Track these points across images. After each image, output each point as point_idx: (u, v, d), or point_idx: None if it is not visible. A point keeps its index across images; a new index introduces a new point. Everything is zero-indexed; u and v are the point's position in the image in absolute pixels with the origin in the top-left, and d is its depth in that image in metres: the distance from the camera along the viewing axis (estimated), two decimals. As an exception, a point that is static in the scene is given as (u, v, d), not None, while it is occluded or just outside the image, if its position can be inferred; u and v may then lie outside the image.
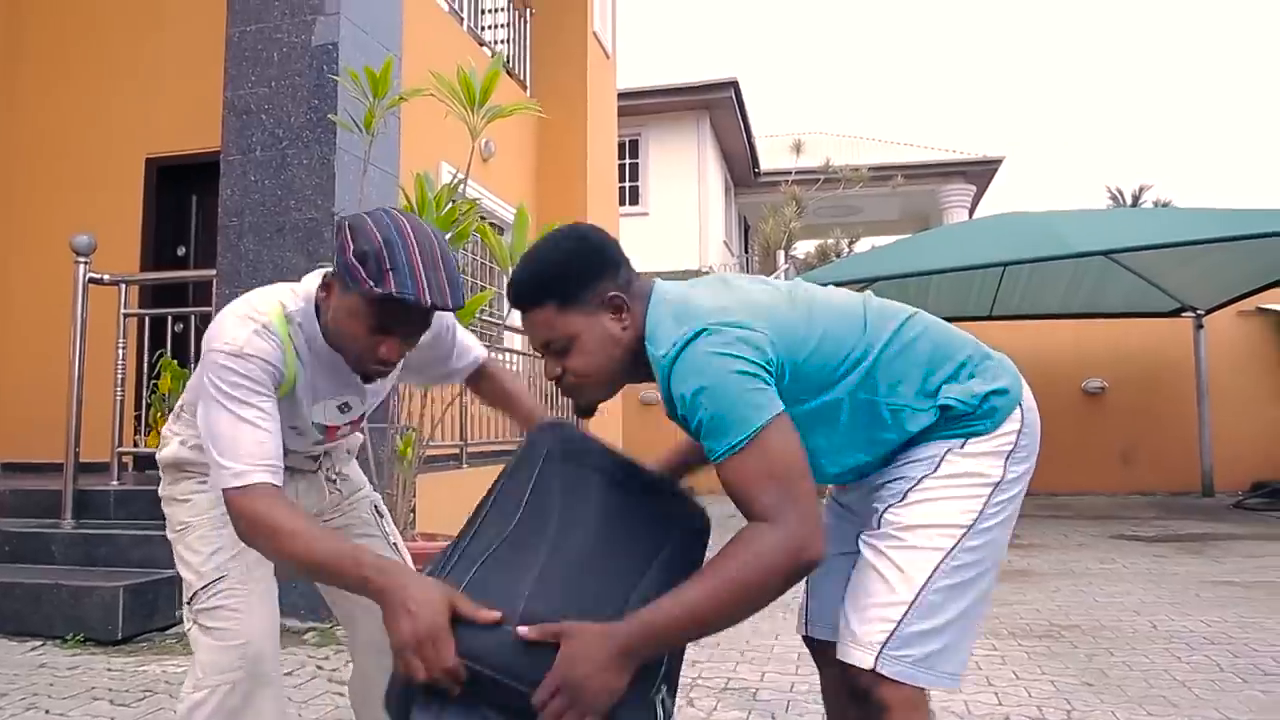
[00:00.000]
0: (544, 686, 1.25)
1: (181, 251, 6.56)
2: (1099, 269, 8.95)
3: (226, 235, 4.28)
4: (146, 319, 5.35)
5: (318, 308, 1.60)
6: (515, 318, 5.95)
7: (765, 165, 17.76)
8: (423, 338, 1.63)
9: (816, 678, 3.27)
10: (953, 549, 1.40)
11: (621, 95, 10.78)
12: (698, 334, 1.37)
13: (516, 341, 7.29)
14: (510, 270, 4.01)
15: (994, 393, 1.46)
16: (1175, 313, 9.86)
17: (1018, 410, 1.48)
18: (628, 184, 14.59)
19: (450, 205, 3.82)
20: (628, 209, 13.56)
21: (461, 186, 4.02)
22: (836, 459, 1.52)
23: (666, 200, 14.94)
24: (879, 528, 1.46)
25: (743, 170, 17.65)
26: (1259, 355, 10.17)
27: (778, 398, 1.36)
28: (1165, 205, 21.00)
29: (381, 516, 2.02)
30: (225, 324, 1.56)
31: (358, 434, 1.99)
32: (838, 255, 16.21)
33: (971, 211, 18.50)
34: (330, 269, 1.55)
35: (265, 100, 4.28)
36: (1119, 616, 4.20)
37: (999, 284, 9.60)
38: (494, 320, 7.03)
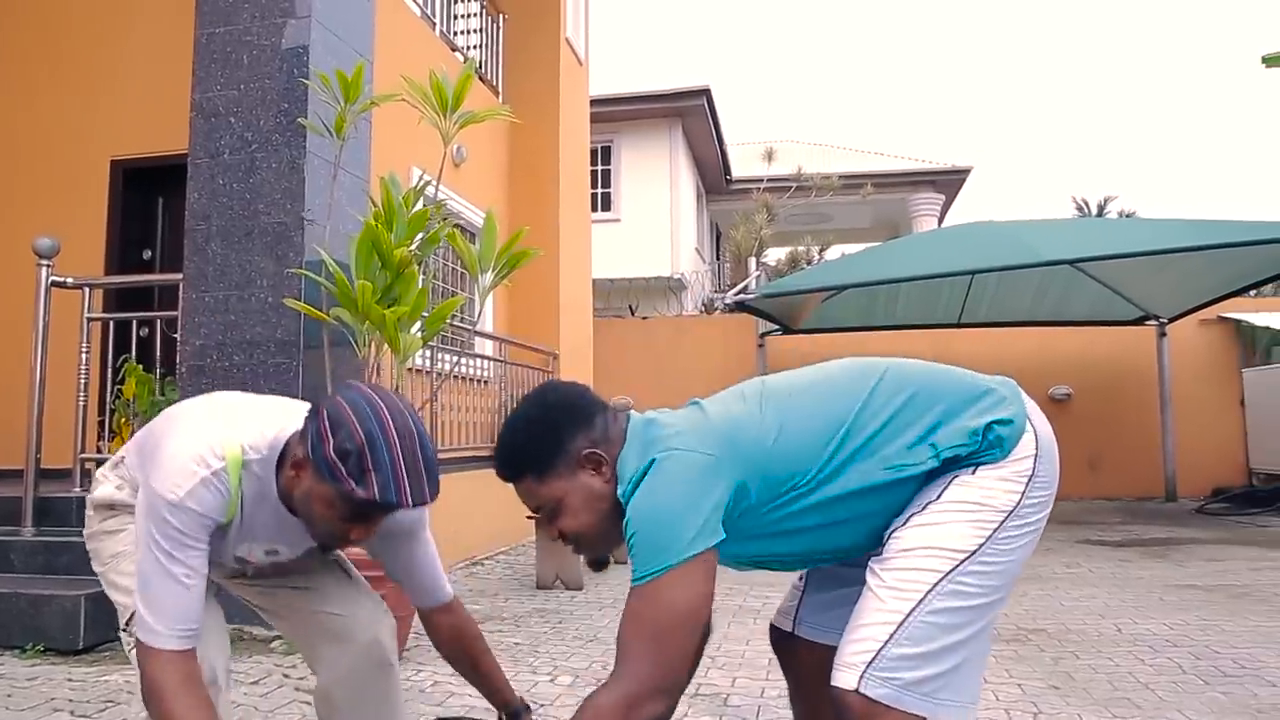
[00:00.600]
0: None
1: (147, 255, 6.48)
2: (1065, 278, 9.07)
3: (194, 239, 4.23)
4: (111, 323, 5.28)
5: (280, 462, 1.58)
6: (486, 320, 5.91)
7: (737, 172, 17.82)
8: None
9: (785, 685, 3.30)
10: (950, 573, 1.37)
11: (594, 102, 10.78)
12: (650, 465, 1.41)
13: (488, 347, 7.26)
14: (479, 277, 4.01)
15: (997, 422, 1.43)
16: (1139, 321, 10.03)
17: (1030, 435, 1.45)
18: (600, 190, 14.59)
19: (418, 209, 3.80)
20: (600, 215, 13.56)
21: (430, 189, 4.00)
22: (859, 531, 1.49)
23: (639, 207, 14.95)
24: (882, 552, 1.45)
25: (714, 177, 17.71)
26: (1220, 363, 10.36)
27: (709, 529, 1.36)
28: (1129, 215, 21.33)
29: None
30: (175, 461, 1.52)
31: None
32: (808, 262, 16.30)
33: (940, 220, 18.69)
34: (300, 451, 1.50)
35: (234, 103, 4.24)
36: (1085, 620, 4.25)
37: (967, 292, 9.71)
38: (465, 326, 7.00)
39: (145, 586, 1.49)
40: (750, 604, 4.75)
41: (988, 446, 1.42)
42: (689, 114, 15.12)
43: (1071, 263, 8.10)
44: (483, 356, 6.84)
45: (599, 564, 1.61)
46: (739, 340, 11.36)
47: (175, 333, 4.29)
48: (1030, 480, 1.43)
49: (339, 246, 3.95)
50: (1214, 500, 9.54)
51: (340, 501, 1.45)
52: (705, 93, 14.75)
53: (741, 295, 8.59)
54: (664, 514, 1.36)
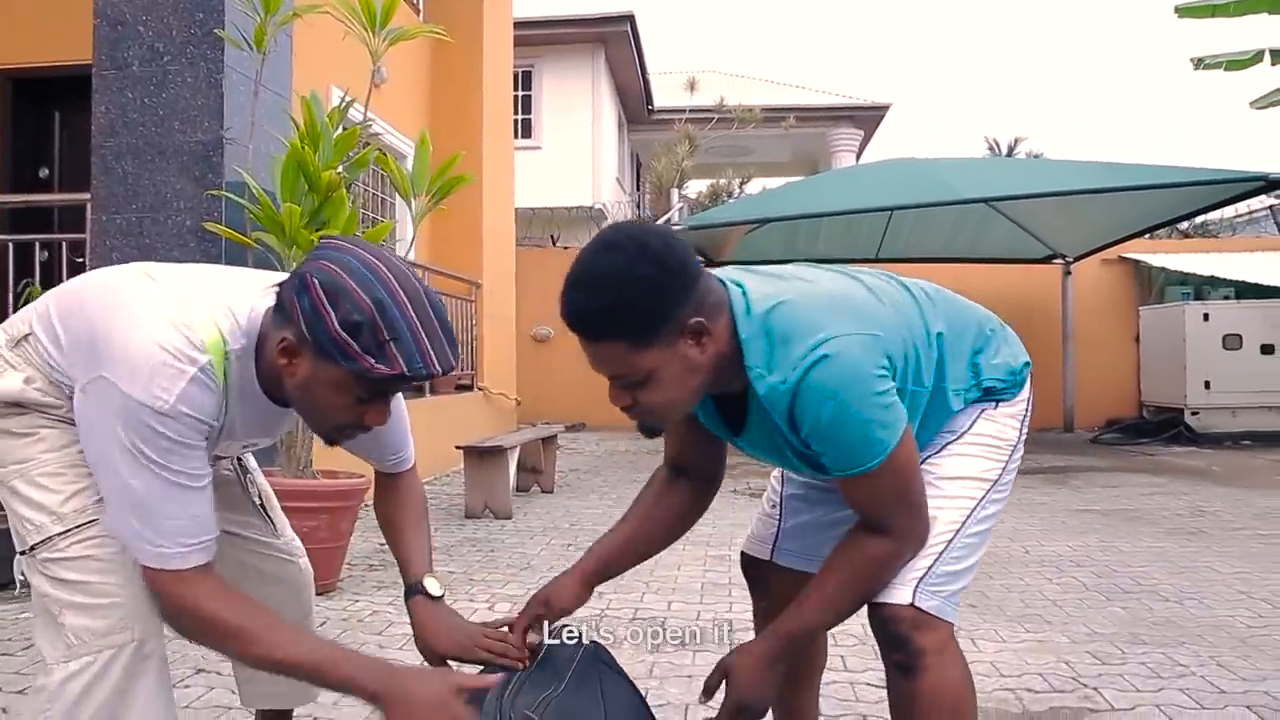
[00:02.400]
0: (723, 712, 1.43)
1: (44, 173, 6.10)
2: (980, 216, 9.32)
3: (102, 157, 4.00)
4: (10, 245, 4.98)
5: (258, 349, 1.33)
6: (409, 247, 5.71)
7: (659, 102, 17.62)
8: None
9: (721, 608, 3.40)
10: (982, 499, 1.47)
11: (516, 25, 10.46)
12: (819, 352, 1.29)
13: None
14: (414, 202, 3.90)
15: (1026, 364, 1.56)
16: (1047, 259, 10.39)
17: (1029, 377, 1.58)
18: (520, 117, 14.25)
19: (344, 129, 3.67)
20: (520, 143, 13.26)
21: (353, 110, 3.85)
22: None
23: (560, 134, 14.69)
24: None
25: (636, 106, 17.48)
26: (1118, 302, 10.85)
27: (902, 406, 1.35)
28: (1037, 156, 21.93)
29: (246, 472, 1.76)
30: (146, 356, 1.23)
31: None
32: (729, 195, 16.34)
33: (859, 156, 18.89)
34: (287, 334, 1.26)
35: (143, 10, 3.99)
36: (995, 543, 4.48)
37: (886, 227, 9.89)
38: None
39: (139, 508, 1.24)
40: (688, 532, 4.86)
41: (1012, 386, 1.53)
42: (612, 40, 14.82)
43: (988, 201, 8.32)
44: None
45: (652, 433, 1.44)
46: (661, 272, 11.38)
47: (81, 257, 4.09)
48: (1025, 418, 1.57)
49: (261, 168, 3.79)
50: (1107, 431, 10.09)
51: (356, 383, 1.25)
52: (629, 18, 14.47)
53: (668, 227, 8.57)
54: (861, 408, 1.28)
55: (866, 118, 18.44)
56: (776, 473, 1.79)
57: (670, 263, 1.26)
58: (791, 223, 9.25)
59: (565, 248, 12.23)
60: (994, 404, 1.52)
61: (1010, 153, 24.36)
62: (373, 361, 1.21)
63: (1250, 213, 11.30)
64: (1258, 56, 7.45)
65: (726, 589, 3.63)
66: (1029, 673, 2.66)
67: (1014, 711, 2.37)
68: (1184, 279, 10.48)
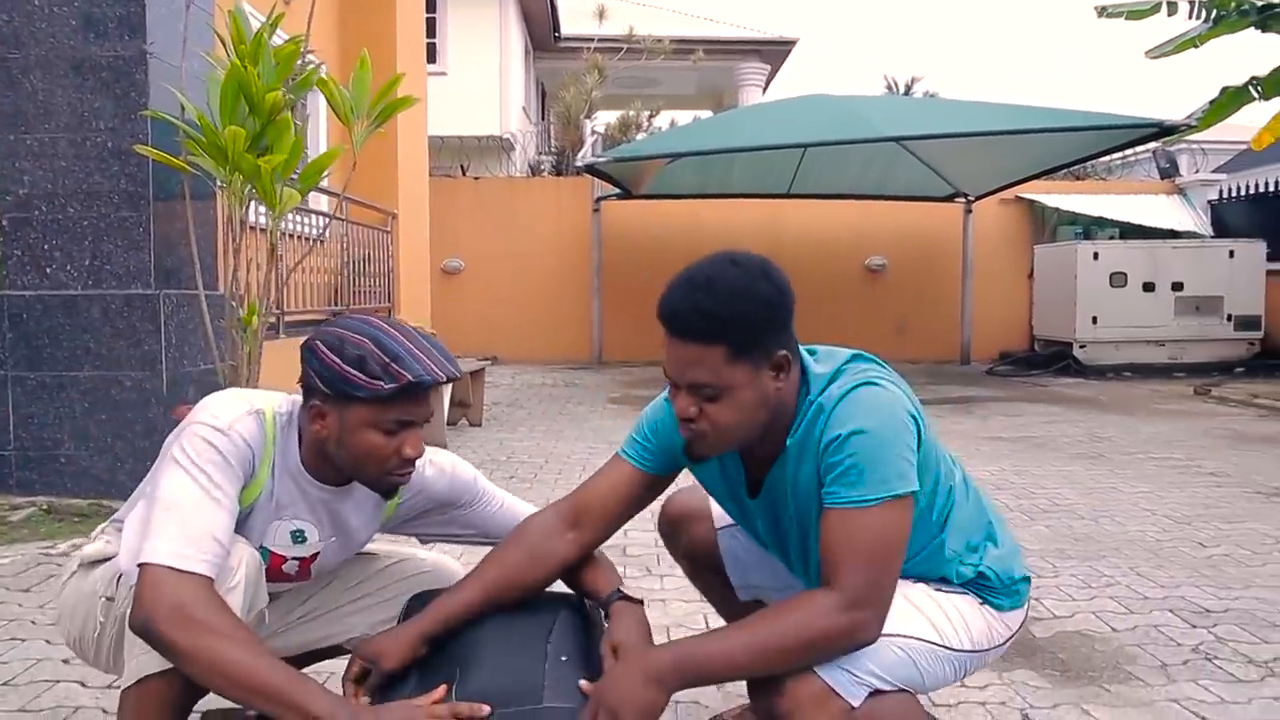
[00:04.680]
0: (588, 707, 1.29)
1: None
2: (890, 154, 9.52)
3: (6, 70, 3.71)
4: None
5: (299, 437, 1.51)
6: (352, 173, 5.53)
7: (566, 30, 17.22)
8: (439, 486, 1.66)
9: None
10: (937, 644, 1.42)
11: (424, -59, 10.01)
12: (868, 383, 1.37)
13: (323, 203, 6.87)
14: (355, 127, 3.75)
15: (1023, 580, 1.55)
16: (950, 198, 10.74)
17: (1024, 609, 1.56)
18: (426, 41, 13.74)
19: (281, 44, 3.49)
20: (427, 68, 12.82)
21: (271, 30, 3.66)
22: None
23: (466, 60, 14.21)
24: None
25: (543, 33, 17.02)
26: (1014, 240, 11.34)
27: (914, 472, 1.34)
28: (933, 96, 22.42)
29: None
30: (214, 401, 1.47)
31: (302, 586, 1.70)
32: (638, 127, 16.20)
33: (765, 90, 18.95)
34: (314, 400, 1.45)
35: (49, -90, 3.67)
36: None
37: (799, 163, 10.01)
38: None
39: (175, 510, 1.32)
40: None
41: (1004, 593, 1.51)
42: (519, -38, 14.36)
43: (900, 140, 8.51)
44: (320, 213, 6.47)
45: (699, 459, 1.47)
46: (574, 204, 11.29)
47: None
48: (1010, 637, 1.54)
49: (192, 88, 3.58)
50: (1001, 363, 10.63)
51: (378, 411, 1.41)
52: (537, -60, 14.02)
53: (593, 159, 8.47)
54: (889, 441, 1.33)
55: (774, 52, 18.45)
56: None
57: (785, 295, 1.36)
58: (706, 158, 9.27)
59: (475, 178, 11.95)
60: (981, 600, 1.49)
61: (908, 92, 24.81)
62: (382, 384, 1.38)
63: (1135, 156, 11.88)
64: (1156, 7, 7.77)
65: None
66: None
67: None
68: (1074, 219, 11.02)
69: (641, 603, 1.53)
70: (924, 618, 1.43)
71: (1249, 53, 11.07)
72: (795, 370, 1.41)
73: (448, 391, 5.41)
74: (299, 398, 1.52)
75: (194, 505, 1.33)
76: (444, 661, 1.42)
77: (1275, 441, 5.63)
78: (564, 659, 1.40)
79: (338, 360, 1.40)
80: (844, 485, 1.32)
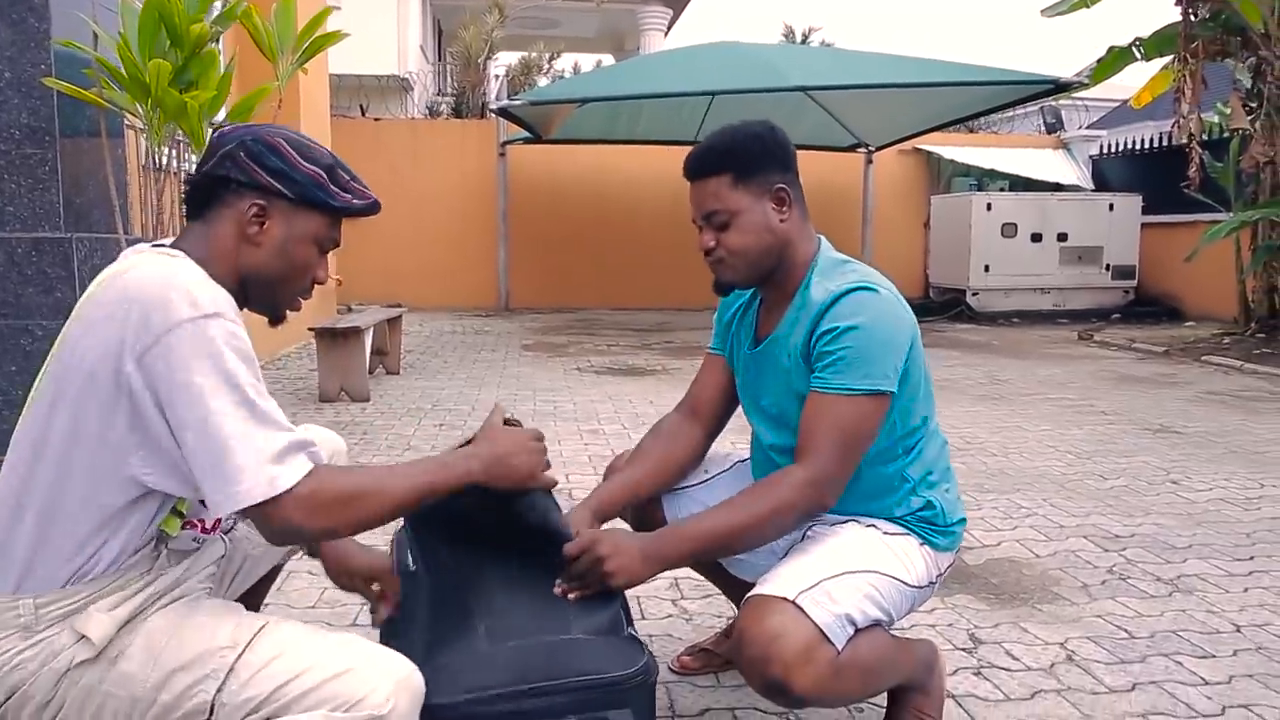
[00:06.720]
0: (578, 544, 1.40)
1: None
2: (795, 103, 9.64)
3: (-116, -10, 3.39)
4: None
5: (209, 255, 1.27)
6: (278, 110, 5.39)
7: (464, -35, 16.67)
8: None
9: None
10: (881, 576, 1.50)
11: None
12: (874, 289, 1.52)
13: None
14: (281, 64, 3.62)
15: (960, 521, 1.65)
16: (852, 148, 10.98)
17: (955, 554, 1.66)
18: (317, -29, 13.10)
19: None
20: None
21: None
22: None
23: (361, -6, 13.64)
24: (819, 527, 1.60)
25: (440, -32, 16.50)
26: (912, 190, 11.71)
27: (898, 376, 1.50)
28: (829, 45, 22.71)
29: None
30: (192, 286, 1.15)
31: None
32: (540, 70, 15.91)
33: (666, 34, 18.83)
34: (255, 201, 1.26)
35: None
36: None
37: (707, 110, 10.04)
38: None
39: (253, 410, 1.12)
40: (542, 408, 4.97)
41: (941, 532, 1.61)
42: (416, -108, 13.78)
43: (808, 90, 8.64)
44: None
45: (724, 290, 1.68)
46: (479, 148, 11.07)
47: None
48: (939, 578, 1.63)
49: (103, 16, 3.36)
50: (898, 309, 11.03)
51: (328, 226, 1.31)
52: None
53: (506, 102, 8.31)
54: (883, 339, 1.50)
55: (676, -4, 18.31)
56: None
57: (778, 138, 1.60)
58: (615, 103, 9.21)
59: (376, 119, 11.56)
60: (920, 541, 1.59)
61: (805, 40, 25.09)
62: (349, 197, 1.31)
63: (1025, 111, 12.38)
64: (1052, -35, 8.08)
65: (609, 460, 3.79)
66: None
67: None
68: (968, 171, 11.44)
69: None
70: (892, 554, 1.54)
71: (1135, 15, 11.60)
72: (798, 216, 1.60)
73: (369, 338, 5.31)
74: (168, 240, 1.29)
75: (264, 415, 1.13)
76: (452, 609, 1.44)
77: (1154, 382, 6.07)
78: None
79: (308, 164, 1.27)
80: (832, 373, 1.49)
